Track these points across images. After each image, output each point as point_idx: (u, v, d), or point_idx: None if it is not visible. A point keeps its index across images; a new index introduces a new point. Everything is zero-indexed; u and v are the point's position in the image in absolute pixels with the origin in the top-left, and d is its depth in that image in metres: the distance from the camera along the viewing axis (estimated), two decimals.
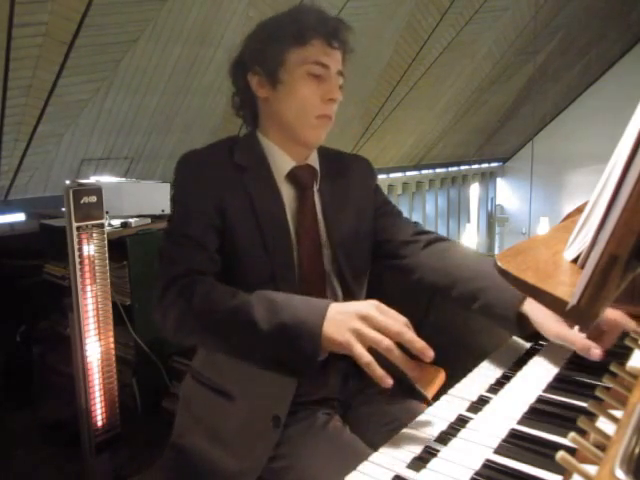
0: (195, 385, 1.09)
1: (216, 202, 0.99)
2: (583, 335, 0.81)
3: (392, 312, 0.76)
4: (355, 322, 0.74)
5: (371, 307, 0.76)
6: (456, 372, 1.02)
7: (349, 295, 1.12)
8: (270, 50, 1.01)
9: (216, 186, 1.00)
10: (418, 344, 0.71)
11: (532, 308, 0.91)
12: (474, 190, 8.78)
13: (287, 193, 1.07)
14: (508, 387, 0.86)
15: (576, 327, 0.83)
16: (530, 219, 7.33)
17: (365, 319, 0.74)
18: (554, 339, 0.86)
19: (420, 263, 1.12)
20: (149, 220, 2.27)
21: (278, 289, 0.97)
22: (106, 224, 1.76)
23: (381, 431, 1.05)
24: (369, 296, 1.11)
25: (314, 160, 1.12)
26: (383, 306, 0.77)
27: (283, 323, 0.79)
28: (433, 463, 0.67)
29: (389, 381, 0.71)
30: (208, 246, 0.98)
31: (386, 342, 0.71)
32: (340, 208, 1.13)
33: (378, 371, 0.71)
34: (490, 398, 0.83)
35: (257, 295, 0.85)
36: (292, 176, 1.07)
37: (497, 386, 0.88)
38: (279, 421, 0.98)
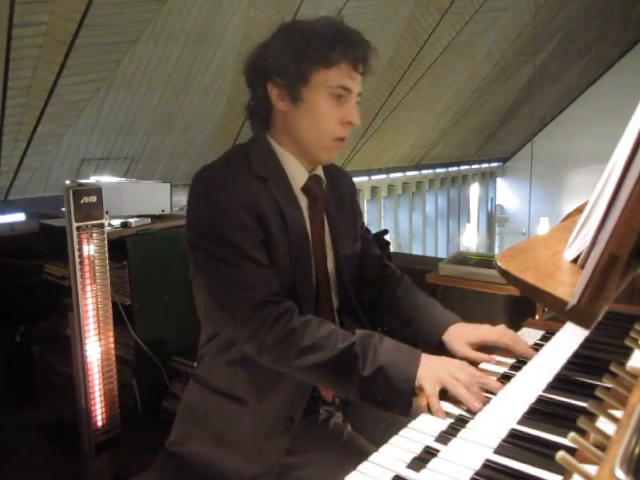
0: (201, 391, 1.08)
1: (257, 215, 0.98)
2: (478, 353, 1.01)
3: (470, 369, 0.91)
4: (441, 375, 0.88)
5: (454, 366, 0.90)
6: None
7: (345, 299, 1.14)
8: (295, 66, 0.98)
9: (252, 198, 0.98)
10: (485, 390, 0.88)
11: (448, 337, 1.06)
12: (474, 190, 8.78)
13: (302, 203, 1.08)
14: (508, 387, 0.86)
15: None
16: (530, 219, 7.33)
17: (448, 373, 0.88)
18: (460, 357, 1.01)
19: (375, 297, 1.23)
20: (149, 220, 2.27)
21: (297, 296, 1.01)
22: (106, 224, 1.76)
23: (379, 429, 1.07)
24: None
25: (320, 170, 1.13)
26: (463, 364, 0.93)
27: (381, 367, 0.89)
28: (433, 463, 0.67)
29: (443, 415, 0.82)
30: (266, 263, 0.99)
31: (459, 391, 0.85)
32: (340, 216, 1.15)
33: (435, 406, 0.84)
34: (490, 398, 0.83)
35: (361, 340, 0.93)
36: (306, 187, 1.08)
37: None
38: (293, 422, 1.00)
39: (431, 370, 0.89)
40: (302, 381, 1.01)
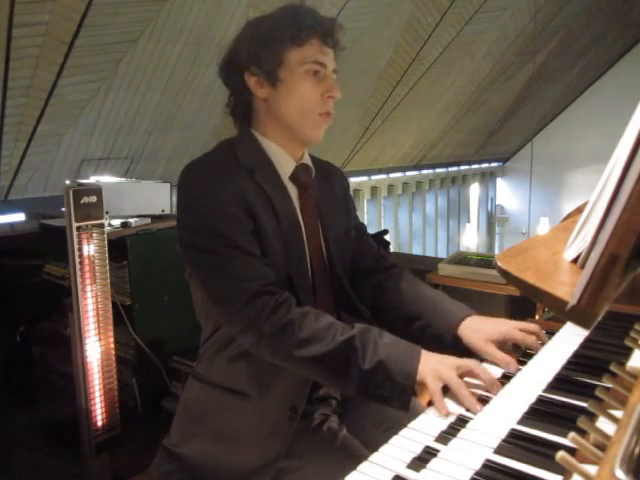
0: (201, 388, 1.08)
1: (245, 206, 0.97)
2: (504, 354, 0.96)
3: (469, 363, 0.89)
4: (443, 372, 0.87)
5: (455, 362, 0.89)
6: None
7: (341, 291, 1.13)
8: (268, 50, 1.01)
9: (240, 190, 0.98)
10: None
11: (466, 332, 1.02)
12: (474, 190, 8.78)
13: (292, 193, 1.08)
14: (508, 387, 0.86)
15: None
16: (530, 219, 7.33)
17: (450, 370, 0.87)
18: (483, 356, 0.98)
19: (375, 290, 1.20)
20: (149, 220, 2.27)
21: (294, 288, 1.01)
22: (106, 224, 1.76)
23: (378, 431, 1.06)
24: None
25: (308, 159, 1.14)
26: (460, 360, 0.91)
27: (381, 361, 0.88)
28: (433, 463, 0.66)
29: (446, 413, 0.81)
30: (259, 254, 0.98)
31: (462, 392, 0.84)
32: (331, 207, 1.15)
33: (439, 404, 0.82)
34: (490, 398, 0.83)
35: (360, 333, 0.92)
36: (294, 176, 1.09)
37: None
38: (296, 412, 1.00)
39: (432, 366, 0.87)
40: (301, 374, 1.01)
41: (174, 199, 2.45)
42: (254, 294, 0.94)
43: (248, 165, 1.03)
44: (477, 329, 1.01)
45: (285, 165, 1.08)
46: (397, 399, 0.88)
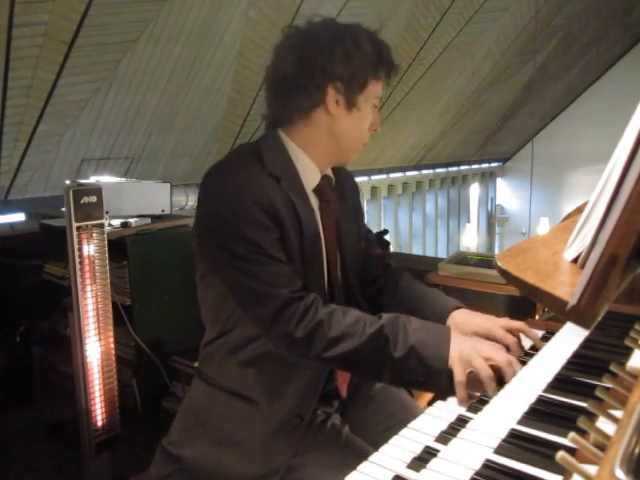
0: (208, 390, 1.07)
1: (273, 213, 0.97)
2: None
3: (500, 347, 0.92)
4: (474, 360, 0.88)
5: (486, 346, 0.92)
6: None
7: (353, 301, 1.13)
8: (359, 75, 1.02)
9: (268, 197, 0.97)
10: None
11: (452, 324, 1.04)
12: (474, 190, 8.78)
13: (314, 204, 1.07)
14: (508, 387, 0.86)
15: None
16: (530, 219, 7.33)
17: (480, 353, 0.89)
18: None
19: (378, 294, 1.22)
20: (149, 220, 2.27)
21: None
22: (106, 224, 1.76)
23: (378, 430, 1.07)
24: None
25: (329, 170, 1.13)
26: (497, 346, 0.93)
27: (413, 347, 0.90)
28: (433, 463, 0.67)
29: (465, 404, 0.84)
30: (286, 260, 0.98)
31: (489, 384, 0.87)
32: (346, 217, 1.15)
33: (461, 394, 0.86)
34: (490, 398, 0.83)
35: (389, 322, 0.94)
36: (319, 189, 1.08)
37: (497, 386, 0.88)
38: (302, 420, 1.00)
39: (463, 351, 0.89)
40: (314, 378, 1.02)
41: (174, 199, 2.45)
42: (285, 301, 0.94)
43: (275, 173, 1.01)
44: (463, 322, 1.03)
45: (311, 176, 1.06)
46: (432, 383, 0.90)
